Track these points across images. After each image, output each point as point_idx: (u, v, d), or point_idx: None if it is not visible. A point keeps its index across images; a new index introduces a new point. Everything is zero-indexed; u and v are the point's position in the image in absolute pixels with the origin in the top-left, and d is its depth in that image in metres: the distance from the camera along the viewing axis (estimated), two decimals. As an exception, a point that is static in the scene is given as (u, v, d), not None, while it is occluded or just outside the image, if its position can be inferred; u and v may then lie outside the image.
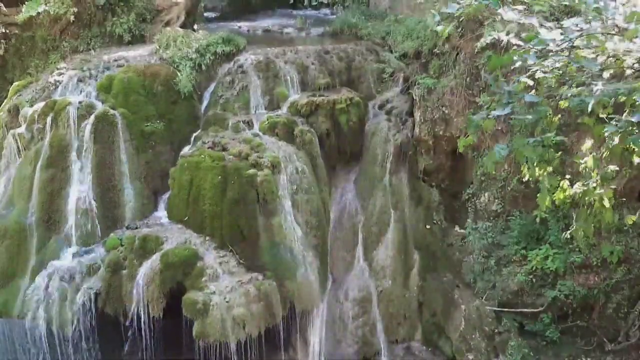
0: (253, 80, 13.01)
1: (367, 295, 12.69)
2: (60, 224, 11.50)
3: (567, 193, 5.86)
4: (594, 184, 5.55)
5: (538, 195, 5.86)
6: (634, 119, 4.84)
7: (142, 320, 10.78)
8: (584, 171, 5.78)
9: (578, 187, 5.70)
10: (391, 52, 14.04)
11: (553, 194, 5.92)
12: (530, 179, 6.02)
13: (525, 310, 11.02)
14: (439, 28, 5.76)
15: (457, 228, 12.41)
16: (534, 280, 10.84)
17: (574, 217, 6.33)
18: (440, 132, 12.32)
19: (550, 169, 5.67)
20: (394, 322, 12.67)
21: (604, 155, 5.77)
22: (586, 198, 5.62)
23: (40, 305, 10.87)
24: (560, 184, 5.94)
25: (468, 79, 11.82)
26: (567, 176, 6.05)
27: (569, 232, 7.00)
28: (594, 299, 10.55)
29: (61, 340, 11.07)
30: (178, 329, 10.88)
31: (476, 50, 11.50)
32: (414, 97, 12.82)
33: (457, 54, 12.08)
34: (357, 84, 13.78)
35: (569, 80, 5.25)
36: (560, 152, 5.99)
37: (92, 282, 10.97)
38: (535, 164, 5.65)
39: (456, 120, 12.02)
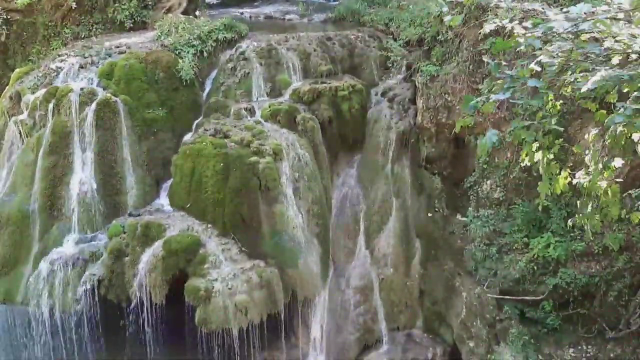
0: (255, 67, 12.96)
1: (368, 283, 12.73)
2: (62, 211, 11.51)
3: (567, 181, 5.80)
4: (599, 176, 5.49)
5: (539, 183, 5.83)
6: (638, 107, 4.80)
7: (145, 306, 10.83)
8: (588, 162, 5.72)
9: (582, 177, 5.64)
10: (394, 39, 13.97)
11: (551, 181, 5.87)
12: (530, 164, 5.95)
13: (527, 297, 11.03)
14: (448, 18, 5.71)
15: (458, 216, 12.40)
16: (535, 268, 10.84)
17: (578, 207, 6.30)
18: (443, 120, 12.28)
19: (550, 155, 5.62)
20: (395, 309, 12.72)
21: (607, 143, 5.72)
22: (591, 191, 5.57)
23: (43, 292, 10.92)
24: (561, 173, 5.89)
25: (471, 66, 11.75)
26: (570, 164, 6.00)
27: (571, 220, 6.95)
28: (595, 286, 10.55)
29: (64, 326, 11.14)
30: (180, 316, 10.94)
31: (479, 37, 11.43)
32: (417, 85, 12.76)
33: (460, 41, 12.01)
34: (359, 71, 13.73)
35: (572, 66, 5.19)
36: (561, 139, 5.93)
37: (94, 268, 11.00)
38: (534, 149, 5.60)
39: (459, 107, 11.96)
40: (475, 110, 5.32)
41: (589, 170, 5.65)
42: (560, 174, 5.88)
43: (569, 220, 8.10)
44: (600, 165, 5.50)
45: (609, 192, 5.48)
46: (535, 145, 5.61)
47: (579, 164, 6.22)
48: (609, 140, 5.53)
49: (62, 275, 10.94)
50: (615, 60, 5.08)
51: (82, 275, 10.96)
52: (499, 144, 5.34)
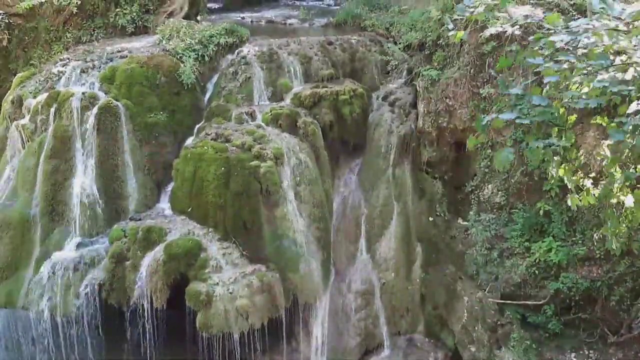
0: (256, 71, 12.99)
1: (369, 287, 12.72)
2: (64, 215, 11.51)
3: (592, 194, 5.76)
4: (619, 185, 5.47)
5: (568, 196, 5.80)
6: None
7: (146, 311, 10.81)
8: (605, 171, 5.70)
9: (602, 187, 5.60)
10: (395, 43, 14.01)
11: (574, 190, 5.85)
12: (560, 181, 5.94)
13: (528, 302, 11.01)
14: (452, 33, 5.74)
15: (460, 220, 12.39)
16: (536, 272, 10.83)
17: (603, 219, 6.26)
18: (444, 124, 12.28)
19: (569, 166, 5.63)
20: (397, 314, 12.71)
21: (625, 154, 5.69)
22: (611, 200, 5.55)
23: (44, 296, 10.91)
24: (584, 185, 5.86)
25: (472, 70, 11.76)
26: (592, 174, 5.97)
27: (599, 232, 6.88)
28: (596, 291, 10.53)
29: (65, 330, 11.12)
30: (181, 320, 10.93)
31: (481, 42, 11.44)
32: (418, 89, 12.78)
33: (462, 45, 12.02)
34: (360, 75, 13.76)
35: (576, 79, 5.21)
36: (582, 152, 5.94)
37: (95, 273, 10.99)
38: (559, 167, 5.62)
39: (460, 112, 11.98)
40: (487, 129, 5.39)
41: (609, 182, 5.60)
42: (583, 186, 5.85)
43: (595, 234, 8.00)
44: (619, 176, 5.47)
45: (632, 201, 5.43)
46: (557, 159, 5.63)
47: (581, 169, 6.19)
48: (626, 152, 5.52)
49: (63, 280, 10.92)
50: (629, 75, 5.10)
51: (83, 279, 10.95)
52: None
